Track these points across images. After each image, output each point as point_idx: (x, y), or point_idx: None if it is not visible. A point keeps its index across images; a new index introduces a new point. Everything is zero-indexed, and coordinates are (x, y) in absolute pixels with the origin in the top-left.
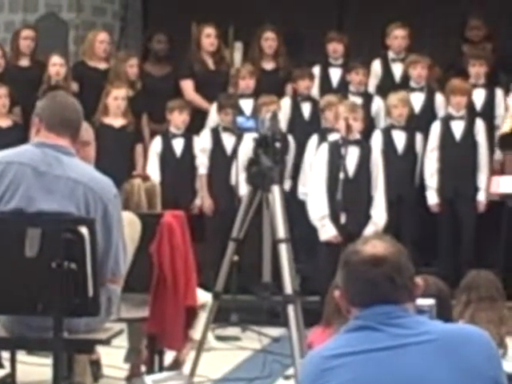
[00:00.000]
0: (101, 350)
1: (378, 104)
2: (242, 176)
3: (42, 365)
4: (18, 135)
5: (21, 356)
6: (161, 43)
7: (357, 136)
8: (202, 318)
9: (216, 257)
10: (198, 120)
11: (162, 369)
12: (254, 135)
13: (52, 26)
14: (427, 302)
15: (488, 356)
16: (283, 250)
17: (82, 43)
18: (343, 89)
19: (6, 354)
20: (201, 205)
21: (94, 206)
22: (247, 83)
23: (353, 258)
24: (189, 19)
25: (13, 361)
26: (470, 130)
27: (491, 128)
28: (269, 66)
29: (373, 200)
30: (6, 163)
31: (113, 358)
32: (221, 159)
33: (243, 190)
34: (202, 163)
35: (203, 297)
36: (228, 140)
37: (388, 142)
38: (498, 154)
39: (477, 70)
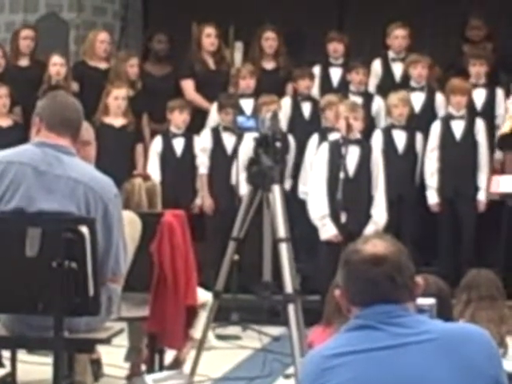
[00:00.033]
0: (101, 349)
1: (378, 104)
2: (243, 175)
3: (42, 364)
4: (18, 135)
5: (21, 355)
6: (161, 43)
7: (357, 135)
8: (203, 317)
9: (216, 256)
10: (198, 120)
11: (162, 368)
12: (255, 135)
13: (52, 25)
14: (427, 301)
15: (488, 355)
16: (283, 249)
17: (83, 43)
18: (343, 88)
19: (6, 353)
20: (201, 204)
21: (94, 205)
22: (247, 83)
23: (353, 258)
24: (189, 19)
25: (13, 360)
26: (470, 130)
27: (491, 128)
28: (269, 65)
29: (373, 199)
30: (6, 163)
31: (113, 357)
32: (221, 159)
33: (243, 189)
34: (203, 163)
35: (203, 296)
36: (228, 140)
37: (388, 142)
38: (498, 154)
39: (477, 70)
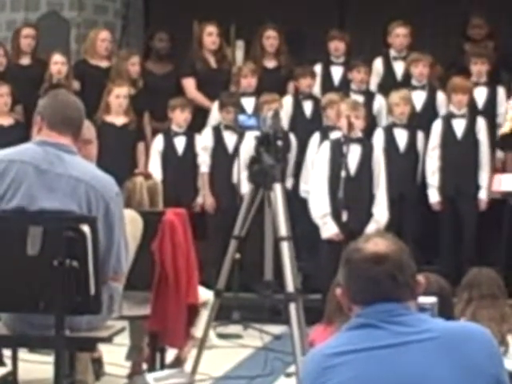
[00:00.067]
0: (102, 348)
1: (379, 102)
2: (244, 174)
3: (43, 363)
4: (19, 134)
5: (22, 354)
6: (162, 41)
7: (358, 134)
8: (204, 315)
9: (218, 255)
10: (199, 118)
11: (163, 367)
12: (256, 133)
13: (54, 24)
14: (429, 299)
15: (489, 354)
16: (285, 247)
17: (84, 41)
18: (345, 87)
19: (7, 352)
20: (202, 203)
21: (95, 204)
22: (249, 81)
23: (354, 256)
24: (190, 17)
25: (14, 359)
26: (471, 128)
27: (493, 126)
28: (270, 64)
29: (374, 198)
30: (7, 161)
31: (114, 355)
32: (222, 157)
33: (245, 188)
34: (204, 161)
35: (205, 295)
36: (230, 138)
37: (390, 140)
38: (500, 153)
39: (478, 69)
